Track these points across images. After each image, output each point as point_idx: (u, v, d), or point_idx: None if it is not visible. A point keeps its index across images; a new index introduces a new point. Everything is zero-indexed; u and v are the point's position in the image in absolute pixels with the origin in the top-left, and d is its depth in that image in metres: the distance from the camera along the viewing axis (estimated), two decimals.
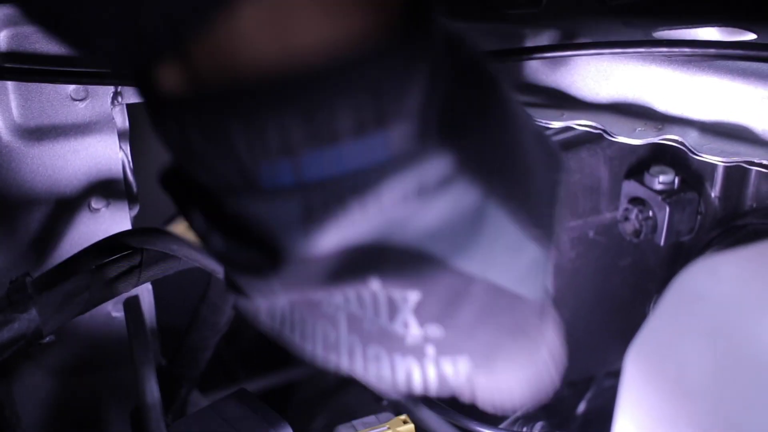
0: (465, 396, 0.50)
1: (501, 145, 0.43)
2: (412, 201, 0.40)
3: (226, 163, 0.37)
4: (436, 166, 0.39)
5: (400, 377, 0.46)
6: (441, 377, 0.46)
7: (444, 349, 0.45)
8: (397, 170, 0.38)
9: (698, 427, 0.42)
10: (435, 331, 0.44)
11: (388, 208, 0.39)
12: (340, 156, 0.37)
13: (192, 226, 0.43)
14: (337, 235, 0.39)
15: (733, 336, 0.42)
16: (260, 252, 0.40)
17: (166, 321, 0.79)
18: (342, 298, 0.44)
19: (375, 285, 0.42)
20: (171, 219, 0.63)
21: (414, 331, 0.44)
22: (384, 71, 0.36)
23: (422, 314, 0.44)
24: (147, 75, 0.37)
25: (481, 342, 0.46)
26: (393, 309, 0.44)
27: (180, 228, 0.61)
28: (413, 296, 0.43)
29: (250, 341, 1.05)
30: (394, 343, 0.45)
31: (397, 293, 0.43)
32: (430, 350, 0.45)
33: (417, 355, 0.45)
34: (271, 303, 0.46)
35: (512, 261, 0.45)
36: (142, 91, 0.39)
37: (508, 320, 0.47)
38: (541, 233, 0.46)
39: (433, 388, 0.46)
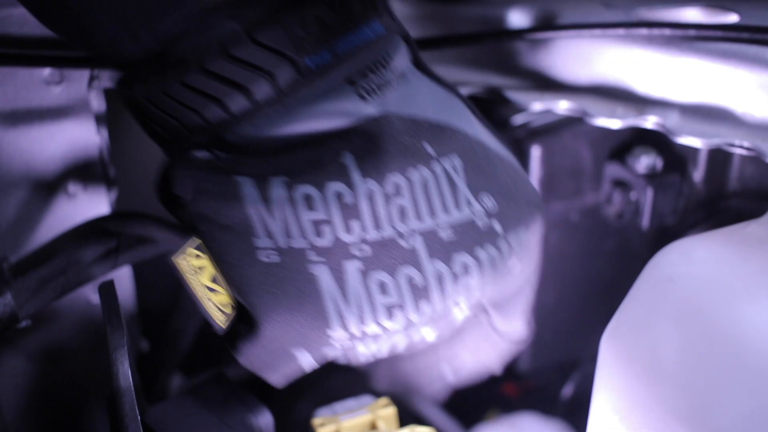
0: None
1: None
2: (405, 80, 0.52)
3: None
4: (406, 56, 0.53)
5: (486, 269, 0.53)
6: (512, 253, 0.54)
7: (506, 221, 0.53)
8: (394, 44, 0.51)
9: (671, 408, 0.42)
10: (488, 200, 0.53)
11: (399, 79, 0.51)
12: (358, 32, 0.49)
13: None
14: (380, 98, 0.50)
15: (705, 317, 0.42)
16: (330, 138, 0.49)
17: (148, 305, 0.79)
18: (412, 206, 0.50)
19: (428, 148, 0.51)
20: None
21: (476, 207, 0.52)
22: None
23: (471, 182, 0.52)
24: None
25: (525, 205, 0.55)
26: (453, 187, 0.51)
27: (186, 259, 0.55)
28: (457, 160, 0.52)
29: None
30: (472, 236, 0.52)
31: (447, 161, 0.51)
32: (497, 226, 0.53)
33: (491, 238, 0.53)
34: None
35: (496, 141, 0.56)
36: None
37: (528, 186, 0.56)
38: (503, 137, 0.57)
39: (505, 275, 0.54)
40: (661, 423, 0.43)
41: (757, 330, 0.39)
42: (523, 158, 0.74)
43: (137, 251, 0.63)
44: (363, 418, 0.62)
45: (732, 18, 0.66)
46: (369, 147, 0.49)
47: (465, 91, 0.68)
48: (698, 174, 0.72)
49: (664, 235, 0.76)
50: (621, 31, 0.63)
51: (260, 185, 0.49)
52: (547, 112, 0.69)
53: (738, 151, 0.58)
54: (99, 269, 0.61)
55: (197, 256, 0.52)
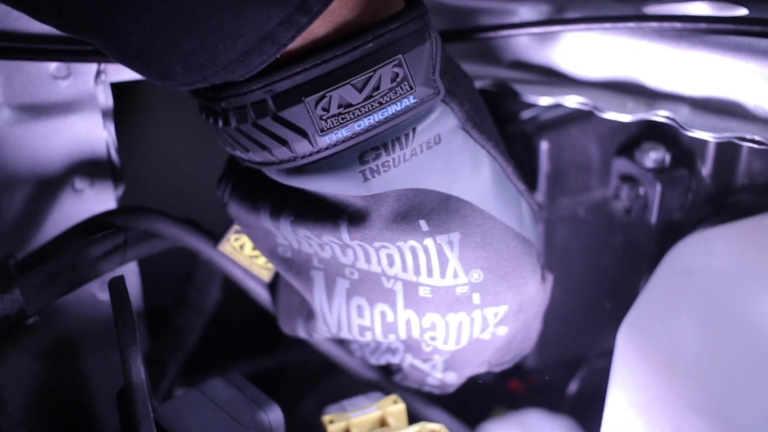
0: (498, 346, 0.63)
1: (484, 110, 0.58)
2: (434, 148, 0.54)
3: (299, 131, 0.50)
4: (448, 118, 0.54)
5: (452, 333, 0.59)
6: (484, 325, 0.59)
7: (486, 295, 0.58)
8: (421, 120, 0.53)
9: (690, 402, 0.42)
10: (477, 276, 0.57)
11: (418, 152, 0.53)
12: (382, 110, 0.51)
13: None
14: (385, 176, 0.53)
15: (726, 310, 0.42)
16: (329, 204, 0.54)
17: (152, 304, 0.78)
18: (400, 261, 0.56)
19: (424, 227, 0.55)
20: (223, 236, 0.65)
21: (461, 279, 0.57)
22: (405, 38, 0.50)
23: (465, 258, 0.56)
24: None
25: (513, 285, 0.58)
26: (443, 258, 0.56)
27: (231, 244, 0.65)
28: (455, 237, 0.56)
29: (239, 325, 1.04)
30: (447, 301, 0.58)
31: (443, 238, 0.55)
32: (476, 298, 0.58)
33: (466, 306, 0.58)
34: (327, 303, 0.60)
35: (516, 209, 0.59)
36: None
37: (529, 264, 0.59)
38: (526, 190, 0.60)
39: (479, 336, 0.60)
40: (679, 417, 0.42)
41: None
42: (532, 153, 0.74)
43: (145, 246, 0.62)
44: (372, 415, 0.62)
45: (741, 12, 0.66)
46: (360, 221, 0.54)
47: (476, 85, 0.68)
48: (706, 169, 0.72)
49: (671, 230, 0.76)
50: (631, 24, 0.63)
51: (273, 215, 0.56)
52: (557, 106, 0.69)
53: (749, 144, 0.58)
54: (107, 265, 0.61)
55: (237, 238, 0.64)
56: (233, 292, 0.76)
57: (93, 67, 0.65)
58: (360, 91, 0.50)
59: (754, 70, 0.59)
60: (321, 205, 0.55)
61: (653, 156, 0.71)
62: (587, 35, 0.66)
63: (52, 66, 0.64)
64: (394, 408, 0.62)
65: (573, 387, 0.84)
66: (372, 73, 0.49)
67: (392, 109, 0.51)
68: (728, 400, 0.41)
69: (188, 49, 0.45)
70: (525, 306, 0.62)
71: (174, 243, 0.63)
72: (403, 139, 0.52)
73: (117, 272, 0.59)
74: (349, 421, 0.61)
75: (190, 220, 0.63)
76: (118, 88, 0.68)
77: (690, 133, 0.59)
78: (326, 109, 0.50)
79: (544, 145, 0.73)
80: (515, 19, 0.69)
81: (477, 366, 0.65)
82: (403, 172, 0.54)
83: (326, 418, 0.61)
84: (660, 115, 0.61)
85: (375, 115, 0.51)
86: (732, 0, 0.67)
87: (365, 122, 0.51)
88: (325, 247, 0.57)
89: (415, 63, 0.51)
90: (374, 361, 0.67)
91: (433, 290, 0.57)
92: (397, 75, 0.50)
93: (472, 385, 0.86)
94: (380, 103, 0.51)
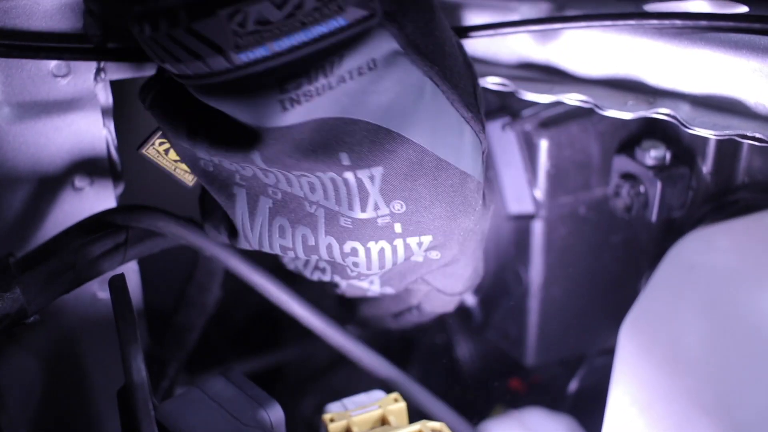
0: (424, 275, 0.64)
1: (432, 31, 0.53)
2: (366, 75, 0.50)
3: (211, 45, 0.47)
4: (384, 42, 0.50)
5: (374, 260, 0.58)
6: (407, 252, 0.58)
7: (409, 226, 0.56)
8: (351, 44, 0.49)
9: (694, 399, 0.42)
10: (399, 207, 0.55)
11: (347, 78, 0.50)
12: (306, 31, 0.47)
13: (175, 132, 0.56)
14: (306, 105, 0.50)
15: (729, 306, 0.42)
16: (245, 130, 0.51)
17: (153, 302, 0.78)
18: (321, 190, 0.55)
19: (345, 160, 0.52)
20: (147, 139, 0.62)
21: (383, 211, 0.55)
22: None
23: (387, 191, 0.54)
24: None
25: (438, 217, 0.57)
26: (363, 193, 0.54)
27: (155, 148, 0.62)
28: (378, 171, 0.53)
29: (239, 324, 1.04)
30: (367, 231, 0.56)
31: (364, 172, 0.53)
32: (398, 228, 0.56)
33: (387, 235, 0.57)
34: (251, 217, 0.58)
35: (455, 140, 0.55)
36: None
37: (460, 197, 0.57)
38: (472, 117, 0.56)
39: (407, 259, 0.59)
40: (682, 414, 0.42)
41: None
42: (532, 151, 0.74)
43: (146, 245, 0.62)
44: (373, 414, 0.62)
45: (741, 9, 0.66)
46: (275, 151, 0.52)
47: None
48: (707, 167, 0.72)
49: (672, 228, 0.76)
50: (632, 22, 0.63)
51: (190, 136, 0.55)
52: (557, 104, 0.69)
53: (749, 142, 0.58)
54: (108, 263, 0.61)
55: (162, 142, 0.61)
56: (234, 290, 0.76)
57: (93, 65, 0.65)
58: (279, 8, 0.46)
59: (755, 68, 0.59)
60: (236, 129, 0.52)
61: (654, 154, 0.71)
62: (588, 33, 0.66)
63: (52, 64, 0.64)
64: (395, 406, 0.62)
65: (573, 385, 0.84)
66: None
67: (317, 31, 0.47)
68: (731, 397, 0.41)
69: None
70: (458, 236, 0.59)
71: (175, 241, 0.63)
72: (327, 66, 0.49)
73: (117, 271, 0.59)
74: (349, 419, 0.60)
75: (191, 219, 0.63)
76: (117, 86, 0.68)
77: (691, 131, 0.59)
78: (242, 25, 0.46)
79: (544, 143, 0.73)
80: (516, 17, 0.69)
81: (415, 282, 0.65)
82: (327, 101, 0.50)
83: (327, 416, 0.61)
84: (661, 112, 0.61)
85: (297, 36, 0.47)
86: None
87: (285, 42, 0.47)
88: (246, 168, 0.55)
89: None
90: (308, 275, 0.66)
91: (354, 221, 0.56)
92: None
93: (473, 383, 0.87)
94: (303, 23, 0.47)
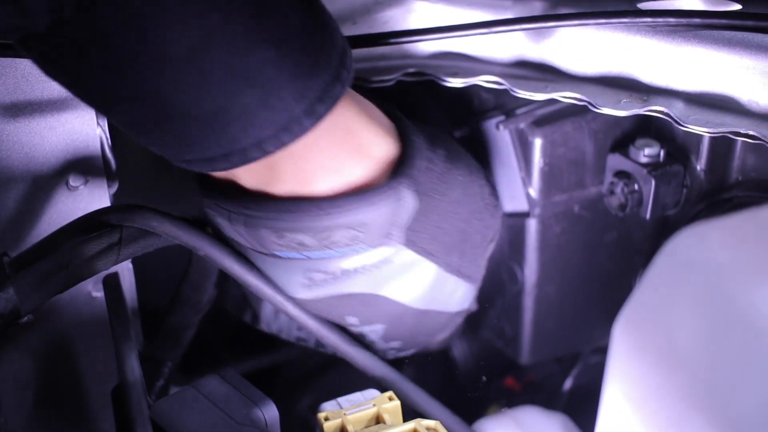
0: None
1: (450, 233, 0.63)
2: (380, 265, 0.60)
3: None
4: (401, 256, 0.61)
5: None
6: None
7: (405, 346, 0.69)
8: (371, 259, 0.59)
9: (688, 396, 0.42)
10: (396, 344, 0.68)
11: (360, 271, 0.60)
12: (334, 250, 0.57)
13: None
14: (327, 290, 0.61)
15: (723, 303, 0.42)
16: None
17: (147, 302, 0.78)
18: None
19: (353, 320, 0.64)
20: None
21: (382, 346, 0.68)
22: (368, 207, 0.55)
23: (387, 337, 0.67)
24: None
25: (427, 337, 0.71)
26: (368, 340, 0.67)
27: None
28: (379, 327, 0.65)
29: (235, 323, 1.04)
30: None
31: (367, 327, 0.65)
32: (395, 346, 0.69)
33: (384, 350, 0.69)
34: None
35: (449, 297, 0.67)
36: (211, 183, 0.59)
37: (439, 331, 0.72)
38: (473, 271, 0.68)
39: None
40: (677, 411, 0.42)
41: None
42: (526, 149, 0.74)
43: (140, 244, 0.62)
44: (368, 412, 0.62)
45: (734, 7, 0.66)
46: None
47: (469, 81, 0.68)
48: (700, 165, 0.72)
49: (666, 226, 0.76)
50: (625, 20, 0.63)
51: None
52: (551, 102, 0.69)
53: (743, 139, 0.58)
54: (102, 263, 0.61)
55: None
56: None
57: None
58: (316, 240, 0.56)
59: (748, 65, 0.59)
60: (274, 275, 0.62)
61: (648, 152, 0.71)
62: (582, 31, 0.66)
63: None
64: (389, 405, 0.62)
65: (568, 383, 0.84)
66: (329, 233, 0.55)
67: (344, 251, 0.57)
68: (725, 393, 0.40)
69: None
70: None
71: (169, 241, 0.63)
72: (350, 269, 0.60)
73: (111, 270, 0.59)
74: (344, 418, 0.60)
75: (185, 218, 0.63)
76: None
77: (684, 128, 0.60)
78: (280, 240, 0.56)
79: (538, 142, 0.73)
80: (509, 15, 0.69)
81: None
82: (341, 285, 0.61)
83: (322, 415, 0.61)
84: (654, 110, 0.61)
85: (327, 252, 0.57)
86: None
87: (317, 254, 0.57)
88: None
89: (373, 228, 0.56)
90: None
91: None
92: (354, 237, 0.56)
93: (468, 382, 0.87)
94: (332, 249, 0.57)
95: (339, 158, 0.55)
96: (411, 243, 0.60)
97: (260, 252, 0.59)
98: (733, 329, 0.41)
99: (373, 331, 0.66)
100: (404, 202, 0.57)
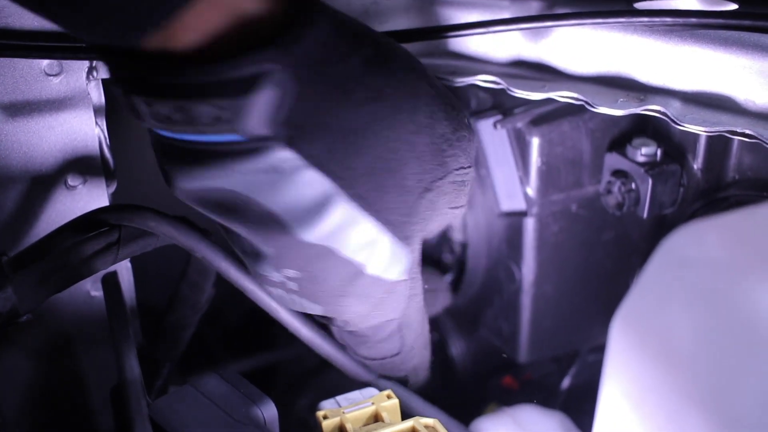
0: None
1: (356, 148, 0.54)
2: (267, 174, 0.52)
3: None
4: (284, 156, 0.51)
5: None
6: (301, 309, 0.61)
7: (302, 292, 0.59)
8: (248, 152, 0.51)
9: (685, 394, 0.42)
10: (292, 273, 0.57)
11: (244, 173, 0.51)
12: (198, 133, 0.50)
13: None
14: (204, 180, 0.52)
15: (720, 301, 0.42)
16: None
17: (145, 301, 0.78)
18: (224, 233, 0.58)
19: (241, 231, 0.55)
20: None
21: (275, 275, 0.58)
22: (236, 86, 0.48)
23: (279, 265, 0.57)
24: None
25: (329, 293, 0.59)
26: (258, 256, 0.57)
27: None
28: (270, 251, 0.56)
29: (233, 323, 1.04)
30: (264, 279, 0.59)
31: (259, 245, 0.56)
32: (293, 287, 0.59)
33: (283, 288, 0.59)
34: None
35: (366, 243, 0.57)
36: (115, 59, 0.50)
37: (350, 286, 0.59)
38: (399, 220, 0.57)
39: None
40: (674, 409, 0.42)
41: None
42: (523, 148, 0.74)
43: (138, 244, 0.62)
44: (366, 410, 0.62)
45: (731, 6, 0.66)
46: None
47: (467, 80, 0.68)
48: (697, 164, 0.72)
49: (663, 225, 0.76)
50: (622, 19, 0.63)
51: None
52: (549, 102, 0.69)
53: (740, 138, 0.58)
54: (100, 262, 0.61)
55: None
56: (228, 289, 0.76)
57: (85, 64, 0.65)
58: (179, 111, 0.49)
59: (744, 65, 0.59)
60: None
61: (645, 151, 0.72)
62: (579, 31, 0.66)
63: (44, 63, 0.64)
64: (387, 403, 0.62)
65: (566, 382, 0.84)
66: (189, 104, 0.48)
67: (213, 138, 0.50)
68: (724, 392, 0.41)
69: None
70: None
71: (167, 241, 0.63)
72: (228, 168, 0.52)
73: (110, 269, 0.59)
74: (342, 416, 0.61)
75: (182, 218, 0.63)
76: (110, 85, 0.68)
77: (681, 127, 0.60)
78: (152, 113, 0.50)
79: (535, 141, 0.73)
80: (507, 15, 0.69)
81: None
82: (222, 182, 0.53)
83: (320, 413, 0.61)
84: (651, 109, 0.61)
85: (195, 137, 0.51)
86: None
87: (186, 137, 0.51)
88: None
89: (239, 110, 0.49)
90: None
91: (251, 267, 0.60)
92: (218, 116, 0.49)
93: (467, 381, 0.87)
94: (200, 131, 0.50)
95: (202, 11, 0.47)
96: (301, 149, 0.51)
97: (151, 131, 0.53)
98: (729, 327, 0.41)
99: (265, 251, 0.57)
100: (273, 80, 0.49)
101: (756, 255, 0.42)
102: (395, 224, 0.57)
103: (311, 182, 0.53)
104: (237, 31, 0.48)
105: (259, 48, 0.48)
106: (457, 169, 0.59)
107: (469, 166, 0.60)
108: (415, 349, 0.69)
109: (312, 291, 0.59)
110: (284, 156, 0.51)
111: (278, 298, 0.61)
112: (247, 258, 0.59)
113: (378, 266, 0.58)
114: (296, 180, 0.52)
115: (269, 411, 0.58)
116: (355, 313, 0.61)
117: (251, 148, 0.51)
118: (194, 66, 0.47)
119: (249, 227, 0.55)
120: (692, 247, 0.45)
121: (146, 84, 0.49)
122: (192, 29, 0.47)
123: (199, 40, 0.48)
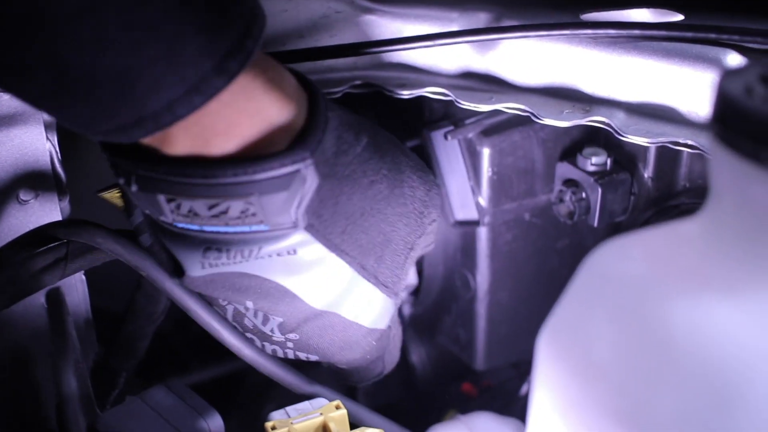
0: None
1: (364, 227, 0.60)
2: (285, 257, 0.58)
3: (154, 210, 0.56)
4: (303, 239, 0.57)
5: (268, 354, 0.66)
6: (297, 360, 0.67)
7: (300, 347, 0.65)
8: (270, 239, 0.57)
9: (606, 407, 0.42)
10: (293, 336, 0.64)
11: (264, 257, 0.58)
12: (228, 226, 0.55)
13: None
14: (222, 267, 0.58)
15: (640, 316, 0.43)
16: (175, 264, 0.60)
17: (104, 307, 0.78)
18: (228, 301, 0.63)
19: (250, 304, 0.61)
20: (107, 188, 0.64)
21: (278, 336, 0.64)
22: (266, 181, 0.53)
23: (284, 329, 0.63)
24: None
25: (327, 347, 0.65)
26: (265, 319, 0.62)
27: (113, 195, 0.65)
28: (278, 319, 0.62)
29: (201, 329, 1.04)
30: (265, 336, 0.64)
31: (267, 313, 0.62)
32: (290, 345, 0.65)
33: (281, 346, 0.65)
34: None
35: (363, 304, 0.63)
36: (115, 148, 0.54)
37: (348, 344, 0.65)
38: (392, 281, 0.64)
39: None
40: (597, 422, 0.43)
41: (688, 330, 0.40)
42: (474, 158, 0.75)
43: (86, 259, 0.63)
44: (315, 421, 0.62)
45: (678, 18, 0.67)
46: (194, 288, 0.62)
47: (415, 92, 0.68)
48: (648, 172, 0.73)
49: (615, 232, 0.77)
50: (566, 32, 0.63)
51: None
52: (497, 112, 0.70)
53: (682, 149, 0.59)
54: (48, 278, 0.61)
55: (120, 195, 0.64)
56: None
57: None
58: (208, 209, 0.54)
59: (687, 76, 0.60)
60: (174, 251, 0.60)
61: (595, 160, 0.72)
62: (525, 43, 0.66)
63: None
64: (336, 414, 0.62)
65: (525, 388, 0.85)
66: (221, 201, 0.53)
67: (239, 229, 0.55)
68: (641, 406, 0.41)
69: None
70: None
71: (114, 257, 0.63)
72: (247, 252, 0.57)
73: (59, 284, 0.59)
74: (291, 426, 0.61)
75: (130, 234, 0.63)
76: None
77: (625, 138, 0.60)
78: (177, 209, 0.54)
79: (486, 151, 0.74)
80: (454, 27, 0.69)
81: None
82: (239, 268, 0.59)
83: (269, 424, 0.61)
84: (596, 120, 0.62)
85: (221, 228, 0.55)
86: (669, 6, 0.68)
87: (211, 229, 0.55)
88: None
89: (268, 204, 0.54)
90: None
91: (255, 326, 0.64)
92: (246, 210, 0.54)
93: (426, 389, 0.87)
94: (226, 223, 0.55)
95: (234, 121, 0.52)
96: (317, 233, 0.58)
97: (163, 222, 0.57)
98: (647, 342, 0.42)
99: (273, 317, 0.63)
100: (299, 176, 0.54)
101: (675, 271, 0.43)
102: (388, 284, 0.64)
103: (326, 260, 0.59)
104: (265, 136, 0.54)
105: (291, 150, 0.54)
106: (430, 223, 0.66)
107: (438, 215, 0.68)
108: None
109: (310, 346, 0.65)
110: (303, 239, 0.57)
111: (273, 351, 0.66)
112: (253, 320, 0.64)
113: (371, 319, 0.65)
114: (313, 260, 0.59)
115: (215, 423, 0.58)
116: (349, 360, 0.67)
117: (274, 235, 0.56)
118: (228, 168, 0.52)
119: (259, 302, 0.61)
120: (614, 263, 0.46)
121: (176, 184, 0.53)
122: (224, 135, 0.52)
123: (231, 146, 0.53)
